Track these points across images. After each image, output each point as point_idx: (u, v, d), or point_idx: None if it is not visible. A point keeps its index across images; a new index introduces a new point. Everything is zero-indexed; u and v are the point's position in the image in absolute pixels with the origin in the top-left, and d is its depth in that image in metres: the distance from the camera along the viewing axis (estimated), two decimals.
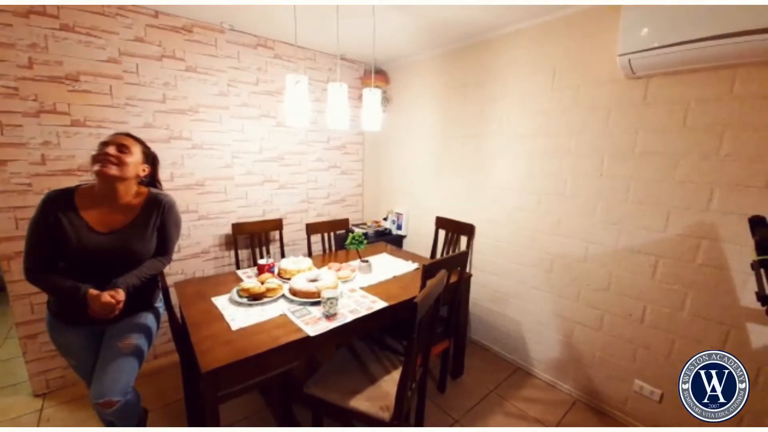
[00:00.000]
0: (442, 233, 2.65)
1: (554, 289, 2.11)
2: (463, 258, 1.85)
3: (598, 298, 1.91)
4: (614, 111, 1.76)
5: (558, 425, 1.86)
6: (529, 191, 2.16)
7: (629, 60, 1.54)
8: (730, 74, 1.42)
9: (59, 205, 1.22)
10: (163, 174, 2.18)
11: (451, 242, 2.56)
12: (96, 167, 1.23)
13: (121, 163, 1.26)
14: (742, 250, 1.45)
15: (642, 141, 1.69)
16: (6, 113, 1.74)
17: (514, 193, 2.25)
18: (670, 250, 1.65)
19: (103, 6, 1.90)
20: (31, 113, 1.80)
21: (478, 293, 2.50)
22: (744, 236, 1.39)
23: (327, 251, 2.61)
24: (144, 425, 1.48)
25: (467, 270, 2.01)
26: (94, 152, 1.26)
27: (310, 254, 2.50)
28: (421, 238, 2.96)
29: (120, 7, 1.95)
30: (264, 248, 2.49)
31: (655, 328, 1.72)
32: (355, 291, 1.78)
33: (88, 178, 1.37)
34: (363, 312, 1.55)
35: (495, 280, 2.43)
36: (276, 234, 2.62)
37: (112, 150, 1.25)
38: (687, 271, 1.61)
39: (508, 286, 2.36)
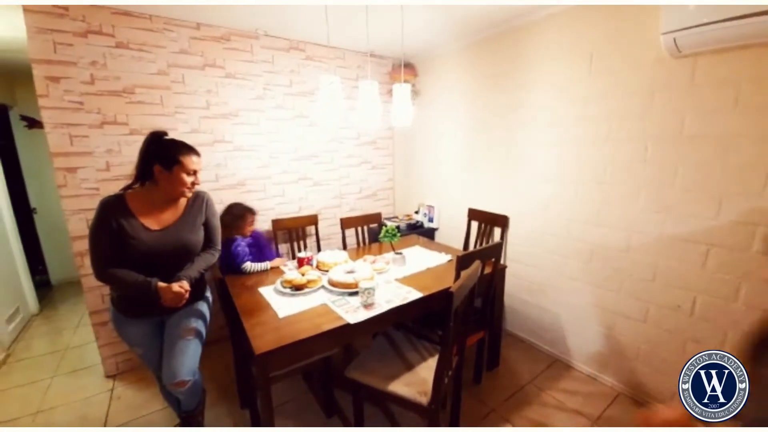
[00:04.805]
0: (474, 225, 2.64)
1: (594, 280, 2.05)
2: (498, 249, 1.85)
3: (643, 289, 1.84)
4: (658, 93, 1.68)
5: (599, 418, 1.83)
6: (566, 181, 2.11)
7: (674, 38, 1.46)
8: None
9: (117, 210, 1.32)
10: (208, 175, 2.37)
11: (485, 234, 2.55)
12: (178, 194, 1.41)
13: (195, 186, 1.44)
14: None
15: (690, 124, 1.60)
16: (75, 126, 1.95)
17: (550, 183, 2.20)
18: (723, 238, 1.56)
19: (152, 22, 2.06)
20: (96, 125, 2.00)
21: (513, 285, 2.48)
22: None
23: (361, 244, 2.69)
24: (203, 403, 1.63)
25: (502, 261, 2.01)
26: (184, 174, 1.37)
27: (344, 247, 2.59)
28: (453, 230, 2.97)
29: (167, 22, 2.11)
30: (301, 242, 2.61)
31: (706, 321, 1.64)
32: (390, 282, 1.84)
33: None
34: (398, 302, 1.60)
35: (531, 272, 2.40)
36: (312, 229, 2.74)
37: (195, 179, 1.42)
38: (741, 259, 1.51)
39: (544, 277, 2.32)
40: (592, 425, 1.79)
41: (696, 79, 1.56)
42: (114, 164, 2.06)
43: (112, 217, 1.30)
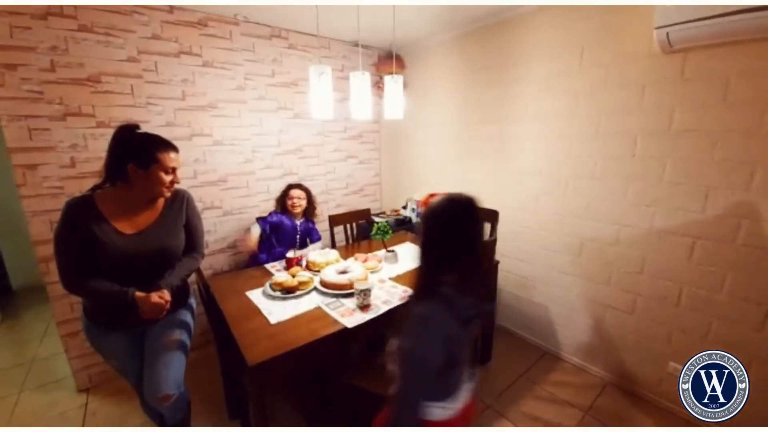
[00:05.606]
0: None
1: (584, 273, 2.08)
2: (491, 246, 1.83)
3: (631, 281, 1.88)
4: (649, 88, 1.69)
5: (590, 408, 1.87)
6: (556, 175, 2.11)
7: (667, 33, 1.47)
8: None
9: (85, 214, 1.17)
10: (186, 171, 2.22)
11: None
12: (156, 194, 1.28)
13: (174, 185, 1.32)
14: None
15: (679, 118, 1.62)
16: (33, 118, 1.76)
17: (540, 177, 2.20)
18: (709, 231, 1.60)
19: (118, 3, 1.88)
20: (58, 116, 1.81)
21: (504, 279, 2.48)
22: None
23: (349, 242, 2.61)
24: (189, 416, 1.53)
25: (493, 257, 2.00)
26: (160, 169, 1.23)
27: (333, 245, 2.51)
28: None
29: (136, 4, 1.93)
30: None
31: (692, 311, 1.69)
32: (385, 281, 1.79)
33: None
34: (396, 302, 1.56)
35: (521, 266, 2.41)
36: None
37: (175, 177, 1.29)
38: (726, 252, 1.56)
39: (535, 271, 2.34)
40: (583, 415, 1.82)
41: (686, 74, 1.57)
42: (80, 160, 1.88)
43: (80, 221, 1.15)
